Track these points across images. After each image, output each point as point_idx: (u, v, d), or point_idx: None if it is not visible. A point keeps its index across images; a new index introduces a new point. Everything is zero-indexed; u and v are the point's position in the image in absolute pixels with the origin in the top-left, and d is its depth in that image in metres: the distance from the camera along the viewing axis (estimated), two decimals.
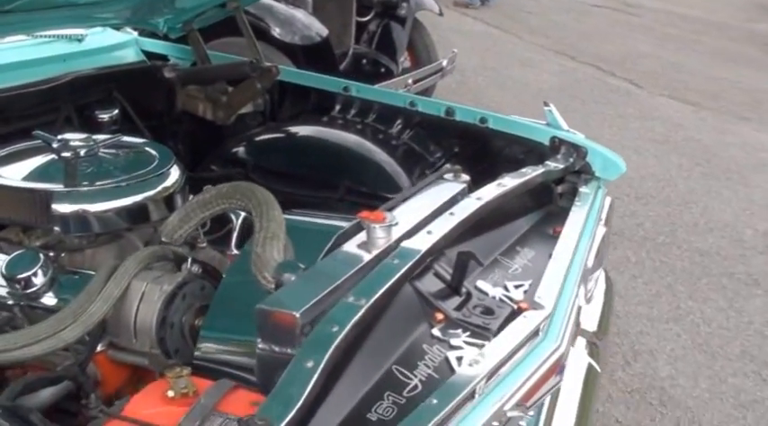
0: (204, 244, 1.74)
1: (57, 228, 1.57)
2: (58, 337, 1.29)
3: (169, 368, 1.11)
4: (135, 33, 2.62)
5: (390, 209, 1.56)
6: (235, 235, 1.88)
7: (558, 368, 1.34)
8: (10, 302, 1.49)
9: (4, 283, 1.49)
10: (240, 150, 2.40)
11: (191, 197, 1.76)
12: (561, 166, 2.00)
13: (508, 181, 1.78)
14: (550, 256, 1.61)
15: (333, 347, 1.10)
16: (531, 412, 1.34)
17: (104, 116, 2.28)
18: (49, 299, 1.50)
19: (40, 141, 1.74)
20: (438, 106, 2.30)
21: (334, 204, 2.18)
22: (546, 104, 2.17)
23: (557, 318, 1.38)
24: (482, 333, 1.35)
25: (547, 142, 2.11)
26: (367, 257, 1.35)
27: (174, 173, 1.73)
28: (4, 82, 2.04)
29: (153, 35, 2.61)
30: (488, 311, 1.41)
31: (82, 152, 1.68)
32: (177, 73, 2.47)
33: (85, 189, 1.59)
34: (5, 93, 2.01)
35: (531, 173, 1.88)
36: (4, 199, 1.61)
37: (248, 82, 2.43)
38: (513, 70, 7.58)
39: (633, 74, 7.73)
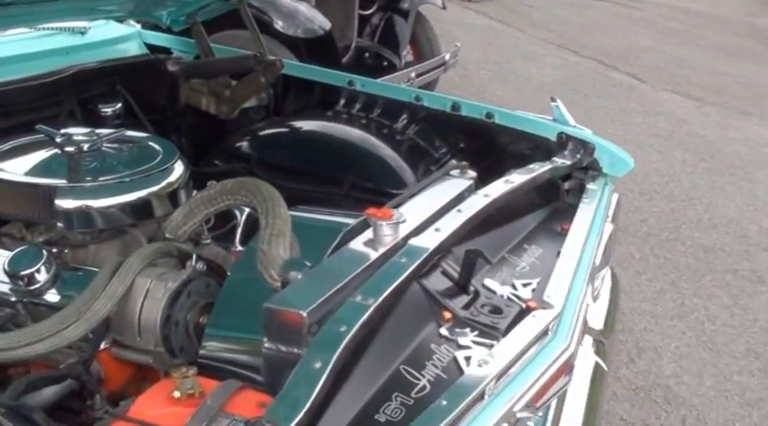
0: (208, 241, 1.73)
1: (60, 224, 1.55)
2: (62, 335, 1.28)
3: (175, 368, 1.09)
4: (138, 26, 2.59)
5: (397, 206, 1.54)
6: (239, 231, 1.86)
7: (567, 368, 1.33)
8: (13, 299, 1.47)
9: (6, 280, 1.47)
10: (244, 145, 2.38)
11: (194, 192, 1.74)
12: (568, 162, 1.99)
13: (516, 178, 1.76)
14: (558, 254, 1.59)
15: (341, 347, 1.08)
16: (540, 413, 1.32)
17: (107, 110, 2.26)
18: (52, 296, 1.48)
19: (42, 135, 1.72)
20: (444, 101, 2.28)
21: (338, 199, 2.17)
22: (553, 100, 2.15)
23: (566, 317, 1.36)
24: (490, 333, 1.33)
25: (554, 138, 2.09)
26: (374, 255, 1.34)
27: (178, 169, 1.71)
28: (6, 75, 2.02)
29: (156, 28, 2.58)
30: (497, 310, 1.39)
31: (85, 146, 1.67)
32: (181, 66, 2.45)
33: (89, 184, 1.58)
34: (8, 87, 1.99)
35: (538, 169, 1.86)
36: (7, 194, 1.59)
37: (252, 75, 2.41)
38: (515, 64, 7.55)
39: (636, 68, 7.70)
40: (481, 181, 1.75)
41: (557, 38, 8.75)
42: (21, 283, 1.46)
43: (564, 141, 2.06)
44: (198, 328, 1.43)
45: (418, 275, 1.36)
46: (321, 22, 4.30)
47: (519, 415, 1.17)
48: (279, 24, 4.12)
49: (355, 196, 2.17)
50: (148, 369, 1.48)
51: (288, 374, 1.09)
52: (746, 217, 4.50)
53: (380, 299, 1.20)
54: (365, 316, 1.15)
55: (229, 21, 2.57)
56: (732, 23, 10.45)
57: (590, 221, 1.76)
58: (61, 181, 1.57)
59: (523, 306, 1.42)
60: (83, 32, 2.33)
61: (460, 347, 1.29)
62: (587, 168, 2.04)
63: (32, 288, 1.46)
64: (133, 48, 2.50)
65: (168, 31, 2.53)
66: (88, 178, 1.59)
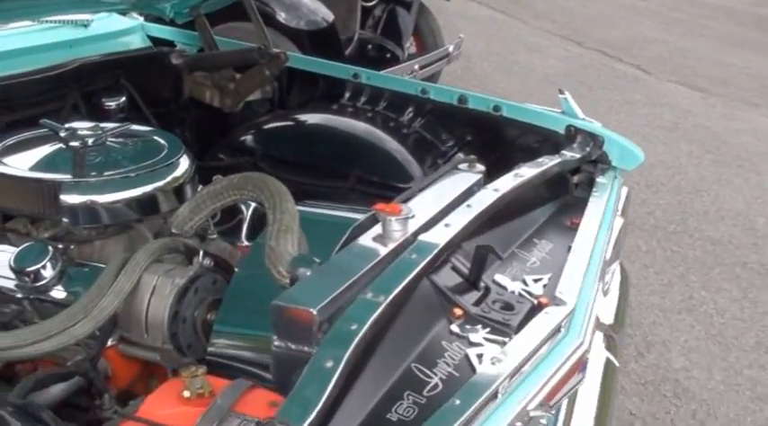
0: (214, 236, 1.71)
1: (65, 219, 1.54)
2: (69, 333, 1.26)
3: (184, 367, 1.07)
4: (141, 19, 2.57)
5: (405, 201, 1.52)
6: (245, 226, 1.85)
7: (581, 365, 1.31)
8: (19, 295, 1.46)
9: (12, 276, 1.46)
10: (248, 138, 2.36)
11: (200, 187, 1.73)
12: (578, 156, 1.96)
13: (525, 172, 1.74)
14: (569, 249, 1.57)
15: (352, 346, 1.07)
16: (553, 411, 1.31)
17: (111, 103, 2.23)
18: (59, 292, 1.47)
19: (46, 130, 1.70)
20: (450, 94, 2.25)
21: (344, 193, 2.15)
22: (561, 92, 2.13)
23: (578, 314, 1.35)
24: (502, 330, 1.31)
25: (562, 131, 2.06)
26: (383, 251, 1.32)
27: (184, 163, 1.70)
28: (9, 69, 2.00)
29: (158, 20, 2.56)
30: (508, 306, 1.38)
31: (90, 141, 1.65)
32: (184, 59, 2.43)
33: (94, 179, 1.56)
34: (11, 81, 1.97)
35: (547, 162, 1.84)
36: (12, 189, 1.57)
37: (256, 68, 2.38)
38: (518, 55, 7.51)
39: (640, 59, 7.66)
40: (489, 175, 1.73)
41: (560, 29, 8.70)
42: (27, 279, 1.45)
43: (573, 134, 2.04)
44: (206, 325, 1.41)
45: (428, 271, 1.34)
46: (324, 14, 4.28)
47: (532, 414, 1.16)
48: (281, 16, 4.09)
49: (361, 190, 2.15)
50: (156, 366, 1.47)
51: (298, 372, 1.08)
52: (754, 209, 4.47)
53: (391, 296, 1.19)
54: (376, 314, 1.14)
55: (231, 12, 2.55)
56: (737, 13, 10.38)
57: (600, 215, 1.74)
58: (66, 176, 1.55)
59: (535, 302, 1.40)
60: (86, 25, 2.30)
61: (472, 344, 1.27)
62: (596, 161, 2.02)
63: (38, 284, 1.44)
64: (136, 41, 2.48)
65: (171, 23, 2.50)
66: (93, 173, 1.58)
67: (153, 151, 1.70)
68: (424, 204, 1.51)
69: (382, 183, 2.13)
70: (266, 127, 2.40)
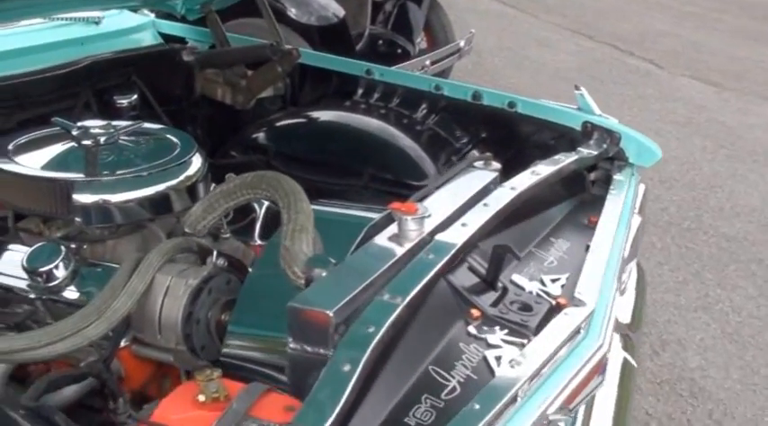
0: (227, 235, 1.70)
1: (78, 219, 1.52)
2: (83, 334, 1.25)
3: (199, 370, 1.06)
4: (152, 15, 2.56)
5: (421, 200, 1.50)
6: (258, 224, 1.83)
7: (601, 367, 1.29)
8: (32, 296, 1.45)
9: (25, 276, 1.45)
10: (261, 136, 2.34)
11: (212, 185, 1.71)
12: (594, 153, 1.94)
13: (542, 169, 1.72)
14: (587, 248, 1.55)
15: (370, 349, 1.05)
16: (573, 414, 1.28)
17: (123, 101, 2.22)
18: (71, 293, 1.46)
19: (58, 128, 1.69)
20: (465, 90, 2.23)
21: (358, 191, 2.13)
22: (577, 88, 2.10)
23: (598, 314, 1.32)
24: (520, 331, 1.29)
25: (578, 127, 2.04)
26: (400, 251, 1.30)
27: (197, 162, 1.68)
28: (21, 67, 1.99)
29: (169, 17, 2.54)
30: (526, 307, 1.36)
31: (102, 139, 1.64)
32: (196, 56, 2.41)
33: (106, 178, 1.54)
34: (23, 79, 1.96)
35: (564, 160, 1.81)
36: (24, 188, 1.56)
37: (268, 65, 2.37)
38: (529, 50, 7.47)
39: (652, 53, 7.59)
40: (504, 173, 1.71)
41: (571, 23, 8.64)
42: (39, 280, 1.44)
43: (589, 131, 2.01)
44: (219, 326, 1.40)
45: (445, 272, 1.32)
46: (335, 10, 4.25)
47: (552, 417, 1.14)
48: (292, 12, 4.07)
49: (375, 188, 2.13)
50: (169, 367, 1.46)
51: (313, 375, 1.07)
52: None
53: (409, 298, 1.17)
54: (393, 316, 1.12)
55: (242, 8, 2.53)
56: (750, 7, 10.28)
57: (619, 214, 1.71)
58: (78, 176, 1.54)
59: (553, 302, 1.38)
60: (97, 22, 2.29)
61: (490, 346, 1.25)
62: (613, 158, 1.99)
63: (51, 284, 1.43)
64: (147, 38, 2.47)
65: (183, 20, 2.49)
66: (106, 172, 1.56)
67: (165, 149, 1.68)
68: (440, 203, 1.49)
69: (396, 181, 2.11)
70: (278, 124, 2.39)
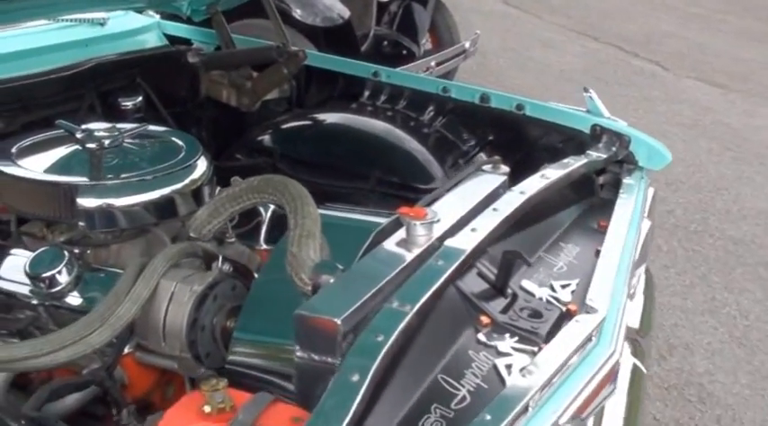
0: (233, 239, 1.68)
1: (81, 223, 1.50)
2: (86, 342, 1.23)
3: (205, 380, 1.04)
4: (157, 16, 2.54)
5: (429, 204, 1.48)
6: (264, 228, 1.81)
7: (613, 375, 1.27)
8: (34, 301, 1.43)
9: (27, 281, 1.43)
10: (266, 138, 2.32)
11: (218, 188, 1.69)
12: (604, 156, 1.92)
13: (551, 173, 1.69)
14: (597, 253, 1.53)
15: (379, 358, 1.03)
16: (585, 424, 1.26)
17: (128, 103, 2.20)
18: (74, 299, 1.44)
19: (62, 131, 1.67)
20: (472, 92, 2.21)
21: (364, 195, 2.11)
22: (586, 90, 2.08)
23: (609, 321, 1.30)
24: (530, 338, 1.27)
25: (587, 130, 2.01)
26: (408, 257, 1.28)
27: (202, 165, 1.66)
28: (24, 69, 1.97)
29: (175, 18, 2.53)
30: (536, 314, 1.33)
31: (106, 143, 1.62)
32: (201, 57, 2.39)
33: (111, 182, 1.53)
34: (27, 81, 1.94)
35: (573, 163, 1.79)
36: (27, 192, 1.54)
37: (274, 67, 2.34)
38: (534, 51, 7.44)
39: (658, 55, 7.56)
40: (512, 176, 1.68)
41: (576, 24, 8.61)
42: (42, 285, 1.42)
43: (598, 133, 1.99)
44: (225, 332, 1.38)
45: (455, 278, 1.30)
46: (340, 11, 4.22)
47: None
48: (297, 13, 4.05)
49: (382, 191, 2.11)
50: (173, 374, 1.44)
51: (321, 384, 1.05)
52: None
53: (418, 305, 1.15)
54: (403, 324, 1.10)
55: (247, 9, 2.51)
56: (755, 8, 10.23)
57: (629, 218, 1.69)
58: (82, 179, 1.52)
59: (563, 309, 1.36)
60: (102, 24, 2.27)
61: (500, 354, 1.23)
62: (622, 161, 1.97)
63: (54, 290, 1.42)
64: (152, 40, 2.45)
65: (188, 21, 2.47)
66: (110, 175, 1.54)
67: (170, 153, 1.66)
68: (448, 207, 1.47)
69: (403, 184, 2.10)
70: (284, 126, 2.37)
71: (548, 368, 1.14)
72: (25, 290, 1.44)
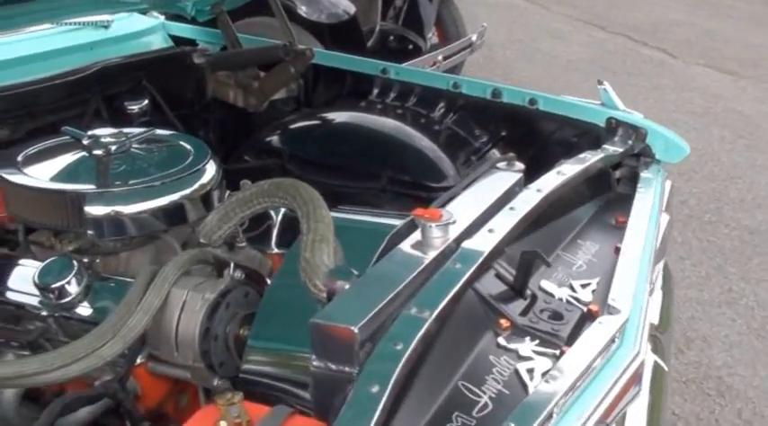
0: (243, 244, 1.65)
1: (90, 232, 1.48)
2: (98, 355, 1.21)
3: (220, 394, 1.01)
4: (161, 18, 2.51)
5: (444, 205, 1.45)
6: (275, 232, 1.78)
7: (638, 377, 1.23)
8: (44, 313, 1.40)
9: (36, 292, 1.41)
10: (274, 139, 2.29)
11: (227, 192, 1.66)
12: (620, 150, 1.88)
13: (568, 169, 1.65)
14: (617, 250, 1.49)
15: (399, 368, 1.00)
16: None
17: (134, 107, 2.17)
18: (84, 309, 1.41)
19: (68, 137, 1.64)
20: (483, 87, 2.17)
21: (375, 194, 2.07)
22: (600, 82, 2.04)
23: (632, 321, 1.27)
24: (552, 341, 1.23)
25: (602, 124, 1.98)
26: (425, 260, 1.25)
27: (211, 169, 1.63)
28: (29, 74, 1.94)
29: (179, 19, 2.49)
30: (557, 315, 1.30)
31: (113, 148, 1.59)
32: (207, 58, 2.36)
33: (119, 189, 1.50)
34: (32, 86, 1.92)
35: (590, 158, 1.75)
36: (34, 201, 1.52)
37: (281, 66, 2.31)
38: (541, 42, 7.38)
39: (666, 43, 7.49)
40: (527, 172, 1.65)
41: (582, 13, 8.54)
42: (51, 296, 1.39)
43: (614, 127, 1.95)
44: (238, 341, 1.35)
45: (473, 281, 1.27)
46: (345, 6, 4.19)
47: None
48: (302, 10, 4.01)
49: (393, 190, 2.08)
50: (186, 383, 1.41)
51: (338, 394, 1.02)
52: None
53: (437, 311, 1.11)
54: (422, 331, 1.07)
55: (252, 7, 2.48)
56: None
57: (648, 213, 1.65)
58: (90, 187, 1.49)
59: (585, 309, 1.32)
60: (106, 26, 2.25)
61: (521, 358, 1.19)
62: (639, 155, 1.93)
63: (64, 301, 1.39)
64: (157, 41, 2.42)
65: (193, 21, 2.44)
66: (118, 182, 1.52)
67: (178, 157, 1.63)
68: (464, 208, 1.43)
69: (414, 183, 2.06)
70: (292, 126, 2.34)
71: (571, 372, 1.10)
72: (34, 301, 1.42)
